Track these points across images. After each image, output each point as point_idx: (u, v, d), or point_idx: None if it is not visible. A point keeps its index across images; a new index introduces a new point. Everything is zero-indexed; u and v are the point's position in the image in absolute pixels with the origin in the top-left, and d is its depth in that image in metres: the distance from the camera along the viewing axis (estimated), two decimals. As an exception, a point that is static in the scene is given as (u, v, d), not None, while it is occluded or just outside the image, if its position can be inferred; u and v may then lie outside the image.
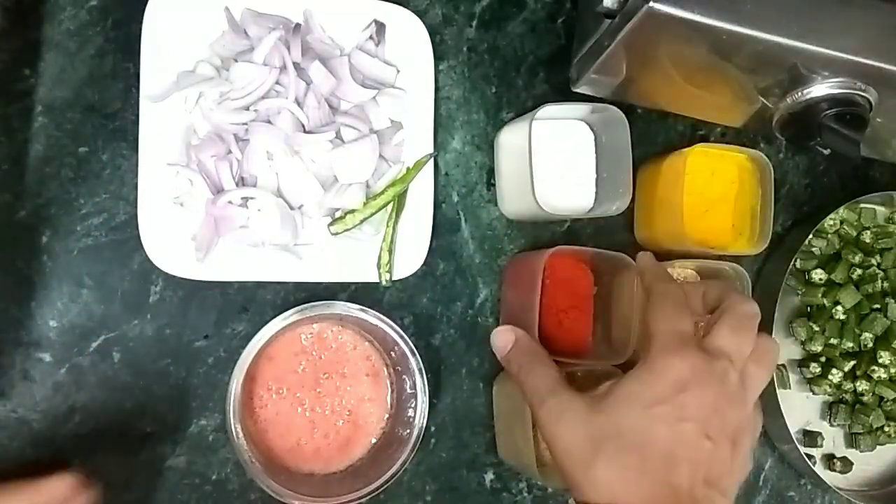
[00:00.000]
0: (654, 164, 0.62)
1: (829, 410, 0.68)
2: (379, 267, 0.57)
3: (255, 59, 0.54)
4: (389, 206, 0.58)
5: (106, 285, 0.56)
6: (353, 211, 0.56)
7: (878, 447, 0.67)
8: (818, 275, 0.66)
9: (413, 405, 0.54)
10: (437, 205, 0.60)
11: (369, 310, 0.52)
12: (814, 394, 0.68)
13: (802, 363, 0.67)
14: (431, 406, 0.54)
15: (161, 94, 0.54)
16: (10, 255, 0.55)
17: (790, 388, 0.67)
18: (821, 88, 0.48)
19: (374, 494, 0.52)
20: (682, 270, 0.62)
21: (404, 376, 0.55)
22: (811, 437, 0.67)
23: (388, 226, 0.57)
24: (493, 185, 0.62)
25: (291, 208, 0.56)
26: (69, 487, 0.47)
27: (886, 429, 0.66)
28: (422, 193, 0.59)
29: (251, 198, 0.55)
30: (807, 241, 0.65)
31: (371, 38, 0.58)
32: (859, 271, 0.66)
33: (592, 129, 0.61)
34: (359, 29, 0.58)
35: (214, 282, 0.56)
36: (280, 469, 0.54)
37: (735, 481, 0.43)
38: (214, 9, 0.55)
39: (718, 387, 0.42)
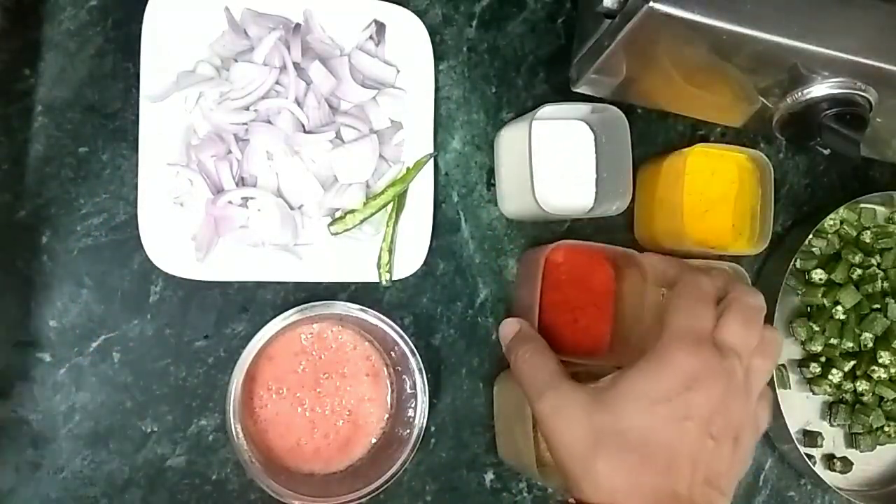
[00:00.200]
0: (654, 164, 0.62)
1: (829, 410, 0.68)
2: (379, 267, 0.57)
3: (255, 59, 0.54)
4: (389, 206, 0.58)
5: (106, 285, 0.56)
6: (353, 211, 0.56)
7: (878, 447, 0.67)
8: (818, 275, 0.66)
9: (413, 405, 0.54)
10: (437, 205, 0.60)
11: (369, 310, 0.52)
12: (814, 394, 0.68)
13: (802, 363, 0.67)
14: (431, 406, 0.54)
15: (161, 94, 0.54)
16: (10, 255, 0.55)
17: (790, 388, 0.67)
18: (821, 88, 0.48)
19: (374, 494, 0.52)
20: None
21: (404, 376, 0.55)
22: (811, 437, 0.67)
23: (388, 226, 0.57)
24: (493, 185, 0.62)
25: (291, 208, 0.56)
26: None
27: (886, 429, 0.66)
28: (422, 193, 0.59)
29: (251, 198, 0.55)
30: (807, 241, 0.65)
31: (371, 38, 0.58)
32: (859, 271, 0.66)
33: (592, 129, 0.61)
34: (359, 29, 0.58)
35: (214, 282, 0.56)
36: (280, 469, 0.54)
37: (735, 478, 0.43)
38: (214, 9, 0.55)
39: (725, 384, 0.41)
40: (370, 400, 0.56)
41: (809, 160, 0.69)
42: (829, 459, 0.68)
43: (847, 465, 0.67)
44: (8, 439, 0.54)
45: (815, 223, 0.64)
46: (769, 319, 0.62)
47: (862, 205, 0.67)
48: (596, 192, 0.60)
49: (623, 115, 0.57)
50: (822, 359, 0.66)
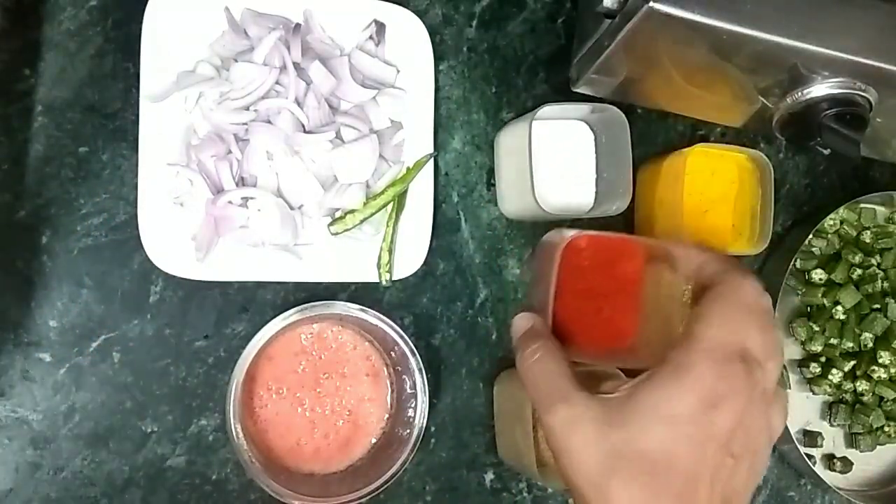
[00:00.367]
0: (654, 164, 0.62)
1: (829, 410, 0.68)
2: (379, 267, 0.57)
3: (255, 59, 0.54)
4: (389, 206, 0.58)
5: (106, 285, 0.56)
6: (353, 211, 0.56)
7: (878, 447, 0.67)
8: (818, 275, 0.66)
9: (413, 405, 0.54)
10: (437, 205, 0.60)
11: (369, 310, 0.52)
12: (814, 394, 0.68)
13: (802, 363, 0.67)
14: (431, 406, 0.54)
15: (161, 94, 0.54)
16: (10, 255, 0.55)
17: (790, 388, 0.67)
18: (821, 88, 0.48)
19: (374, 494, 0.52)
20: None
21: (404, 376, 0.55)
22: (811, 437, 0.67)
23: (388, 226, 0.57)
24: (493, 185, 0.62)
25: (291, 208, 0.56)
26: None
27: (886, 429, 0.66)
28: (422, 193, 0.59)
29: (251, 198, 0.55)
30: (807, 241, 0.65)
31: (371, 38, 0.58)
32: (859, 271, 0.66)
33: (592, 129, 0.61)
34: (359, 29, 0.58)
35: (214, 282, 0.56)
36: (280, 469, 0.54)
37: (751, 492, 0.40)
38: (214, 9, 0.55)
39: (748, 398, 0.38)
40: (370, 400, 0.56)
41: (809, 160, 0.69)
42: (829, 459, 0.68)
43: (847, 465, 0.67)
44: (8, 439, 0.54)
45: (815, 223, 0.64)
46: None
47: (862, 205, 0.67)
48: (596, 192, 0.60)
49: (623, 115, 0.57)
50: (822, 359, 0.66)
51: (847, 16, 0.47)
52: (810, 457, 0.65)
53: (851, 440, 0.68)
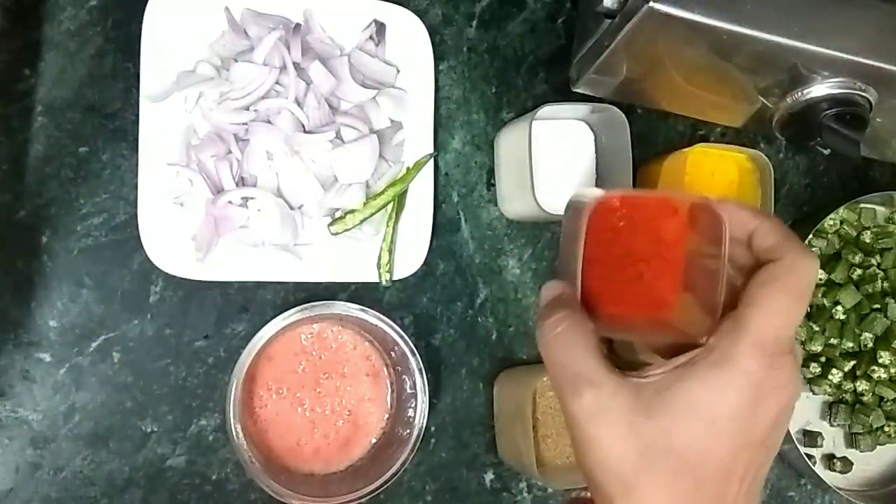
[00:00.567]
0: (654, 164, 0.62)
1: (829, 410, 0.68)
2: (379, 267, 0.57)
3: (255, 59, 0.54)
4: (389, 206, 0.58)
5: (106, 285, 0.56)
6: (353, 211, 0.56)
7: (878, 447, 0.67)
8: (818, 275, 0.66)
9: (413, 405, 0.54)
10: (437, 205, 0.60)
11: (369, 310, 0.52)
12: (814, 394, 0.68)
13: (802, 363, 0.67)
14: (431, 406, 0.54)
15: (161, 94, 0.54)
16: (10, 255, 0.55)
17: (790, 388, 0.67)
18: (821, 88, 0.48)
19: (374, 494, 0.52)
20: None
21: (404, 376, 0.55)
22: (811, 437, 0.67)
23: (388, 226, 0.57)
24: (493, 185, 0.62)
25: (291, 208, 0.56)
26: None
27: (886, 429, 0.66)
28: (422, 193, 0.59)
29: (251, 198, 0.55)
30: (807, 241, 0.65)
31: (371, 38, 0.58)
32: (859, 271, 0.66)
33: (592, 129, 0.61)
34: (359, 29, 0.58)
35: (214, 282, 0.56)
36: (280, 469, 0.54)
37: (767, 471, 0.37)
38: (214, 9, 0.55)
39: (792, 392, 0.35)
40: (370, 400, 0.56)
41: (809, 160, 0.69)
42: (829, 459, 0.68)
43: (847, 465, 0.67)
44: (8, 439, 0.54)
45: (815, 223, 0.64)
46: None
47: (862, 205, 0.67)
48: (596, 192, 0.60)
49: (623, 115, 0.57)
50: (822, 359, 0.66)
51: (847, 16, 0.47)
52: (810, 457, 0.65)
53: (851, 440, 0.68)
